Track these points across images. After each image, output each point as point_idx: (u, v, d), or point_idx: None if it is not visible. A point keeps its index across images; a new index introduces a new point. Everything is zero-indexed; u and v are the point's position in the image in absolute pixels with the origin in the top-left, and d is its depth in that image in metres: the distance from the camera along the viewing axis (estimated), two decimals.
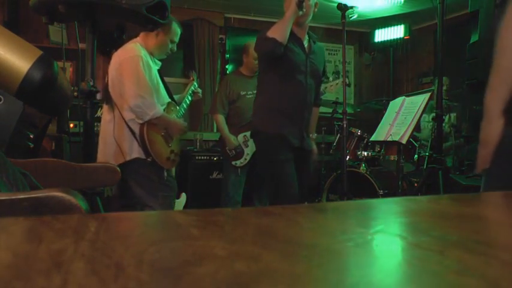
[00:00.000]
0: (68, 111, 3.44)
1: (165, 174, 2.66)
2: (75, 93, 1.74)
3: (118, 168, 1.46)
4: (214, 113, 3.77)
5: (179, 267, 0.30)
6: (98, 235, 0.39)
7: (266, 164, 2.76)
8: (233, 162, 3.68)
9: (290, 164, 2.69)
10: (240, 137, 3.70)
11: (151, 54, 2.69)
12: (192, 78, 3.25)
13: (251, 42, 3.81)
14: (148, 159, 2.55)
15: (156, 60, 2.75)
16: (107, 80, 2.64)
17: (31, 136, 1.50)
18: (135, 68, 2.51)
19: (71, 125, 3.69)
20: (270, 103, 2.71)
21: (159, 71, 2.78)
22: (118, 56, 2.57)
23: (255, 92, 3.66)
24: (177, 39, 2.77)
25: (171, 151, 2.68)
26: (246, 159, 3.69)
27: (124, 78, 2.50)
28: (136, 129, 2.56)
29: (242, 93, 3.71)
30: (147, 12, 1.70)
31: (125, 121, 2.56)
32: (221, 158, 4.07)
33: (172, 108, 2.80)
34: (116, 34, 2.01)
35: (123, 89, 2.51)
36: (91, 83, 1.77)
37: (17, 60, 1.14)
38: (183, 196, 3.82)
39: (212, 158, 4.25)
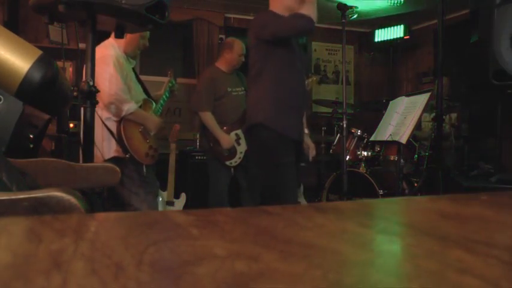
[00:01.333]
0: (68, 111, 3.44)
1: (145, 170, 2.68)
2: (75, 93, 1.74)
3: (118, 168, 1.46)
4: (202, 110, 3.56)
5: (179, 267, 0.30)
6: (97, 235, 0.39)
7: (268, 165, 2.57)
8: (227, 162, 3.56)
9: (293, 167, 2.55)
10: (232, 135, 3.59)
11: (125, 51, 2.71)
12: (169, 75, 3.24)
13: (234, 38, 3.79)
14: (127, 156, 2.57)
15: (130, 59, 2.78)
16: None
17: (31, 136, 1.50)
18: (107, 67, 2.54)
19: (71, 125, 3.69)
20: (275, 93, 2.53)
21: (134, 69, 2.81)
22: None
23: (238, 89, 3.63)
24: (147, 34, 2.78)
25: (149, 147, 2.70)
26: (240, 158, 3.59)
27: (97, 78, 2.52)
28: (114, 128, 2.59)
29: (229, 89, 3.60)
30: (146, 12, 1.70)
31: (102, 120, 2.59)
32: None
33: (149, 105, 2.82)
34: (116, 34, 2.02)
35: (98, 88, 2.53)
36: (91, 83, 1.77)
37: (17, 60, 1.14)
38: (183, 196, 3.81)
39: None
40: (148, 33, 2.79)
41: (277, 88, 2.53)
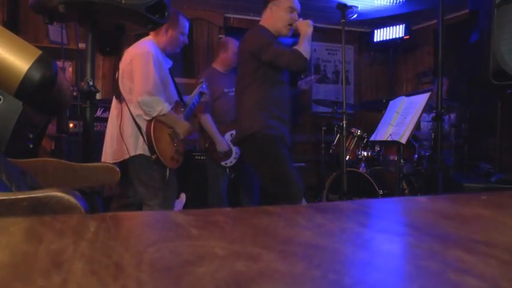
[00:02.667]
0: (68, 111, 3.44)
1: (168, 173, 2.65)
2: (75, 93, 1.74)
3: (117, 168, 1.46)
4: (201, 112, 3.58)
5: (179, 267, 0.30)
6: (97, 235, 0.39)
7: (270, 162, 2.72)
8: (223, 163, 3.59)
9: (291, 161, 2.76)
10: (227, 135, 3.60)
11: (163, 50, 2.70)
12: (200, 80, 3.24)
13: (229, 37, 3.82)
14: (153, 157, 2.54)
15: (168, 59, 2.76)
16: (117, 75, 2.65)
17: (30, 136, 1.50)
18: (146, 64, 2.51)
19: (71, 125, 3.69)
20: (264, 104, 2.71)
21: (170, 69, 2.78)
22: (130, 52, 2.59)
23: (233, 89, 3.66)
24: (186, 31, 2.79)
25: (176, 150, 2.67)
26: (235, 158, 3.60)
27: (134, 74, 2.51)
28: (143, 126, 2.56)
29: (225, 90, 3.62)
30: (146, 12, 1.70)
31: (133, 116, 2.57)
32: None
33: (180, 108, 2.80)
34: (116, 34, 2.02)
35: (132, 84, 2.52)
36: (90, 83, 1.77)
37: (17, 60, 1.14)
38: (183, 196, 3.81)
39: None
40: (187, 30, 2.80)
41: (266, 99, 2.72)
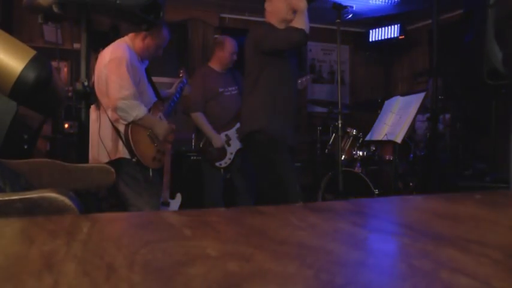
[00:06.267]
0: (63, 111, 3.43)
1: (151, 173, 2.64)
2: (70, 94, 1.74)
3: (112, 169, 1.46)
4: (193, 110, 3.56)
5: (171, 267, 0.30)
6: (90, 236, 0.39)
7: (270, 165, 2.69)
8: (217, 163, 3.55)
9: (290, 162, 2.73)
10: (222, 135, 3.56)
11: (138, 55, 2.67)
12: (181, 75, 3.20)
13: (225, 36, 3.79)
14: (134, 160, 2.54)
15: (144, 59, 2.74)
16: (93, 79, 2.61)
17: (25, 137, 1.50)
18: (120, 69, 2.48)
19: (66, 126, 3.67)
20: (270, 103, 2.68)
21: (147, 69, 2.76)
22: (104, 56, 2.55)
23: (231, 88, 3.63)
24: (164, 44, 2.75)
25: (157, 150, 2.66)
26: (230, 159, 3.57)
27: (109, 79, 2.49)
28: (122, 129, 2.55)
29: (220, 90, 3.57)
30: (141, 12, 1.70)
31: (110, 120, 2.56)
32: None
33: (159, 107, 2.78)
34: (111, 34, 2.01)
35: (108, 89, 2.50)
36: (85, 83, 1.77)
37: (11, 60, 1.14)
38: (179, 197, 3.80)
39: None
40: (165, 43, 2.76)
41: (271, 98, 2.67)
